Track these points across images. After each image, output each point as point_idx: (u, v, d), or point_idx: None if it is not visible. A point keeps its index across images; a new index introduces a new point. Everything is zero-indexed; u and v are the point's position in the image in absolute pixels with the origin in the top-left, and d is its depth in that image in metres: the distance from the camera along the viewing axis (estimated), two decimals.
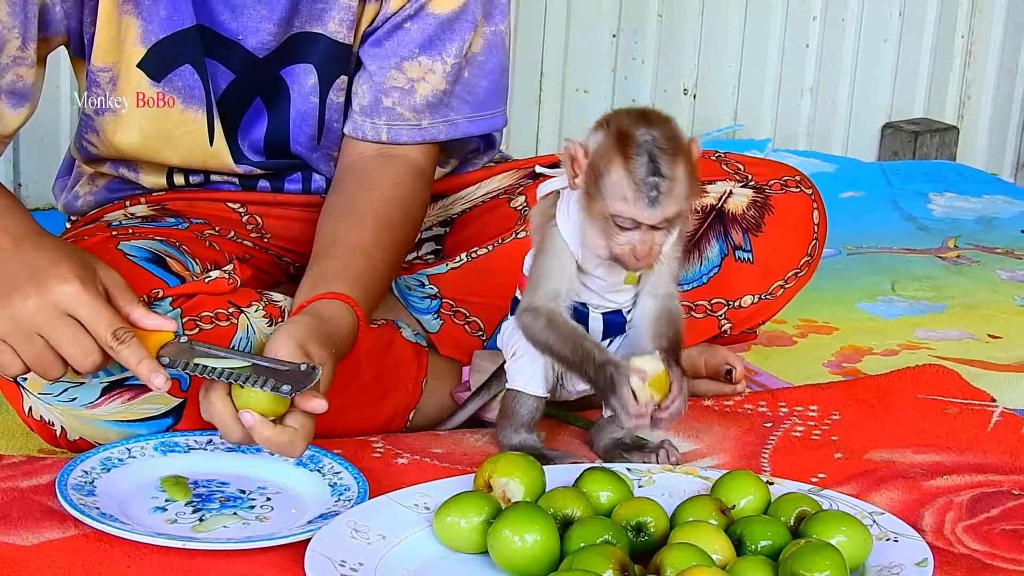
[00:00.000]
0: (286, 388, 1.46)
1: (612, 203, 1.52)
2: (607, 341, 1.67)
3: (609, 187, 1.52)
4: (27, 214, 1.59)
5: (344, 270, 1.67)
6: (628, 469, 1.62)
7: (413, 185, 1.82)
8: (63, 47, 1.76)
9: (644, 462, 1.68)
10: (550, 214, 1.62)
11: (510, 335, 1.68)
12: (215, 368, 1.49)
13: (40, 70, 1.72)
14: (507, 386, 1.68)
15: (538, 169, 1.69)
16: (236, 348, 1.66)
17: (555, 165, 1.63)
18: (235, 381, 1.48)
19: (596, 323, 1.65)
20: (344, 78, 1.84)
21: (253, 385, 1.47)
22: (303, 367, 1.48)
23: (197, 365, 1.49)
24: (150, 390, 1.61)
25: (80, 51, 1.75)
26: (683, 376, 1.61)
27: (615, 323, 1.66)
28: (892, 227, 2.94)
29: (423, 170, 1.85)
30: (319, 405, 1.50)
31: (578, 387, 1.71)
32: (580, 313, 1.64)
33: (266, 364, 1.49)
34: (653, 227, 1.53)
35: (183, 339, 1.53)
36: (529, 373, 1.66)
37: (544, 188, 1.64)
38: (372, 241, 1.73)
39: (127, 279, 1.58)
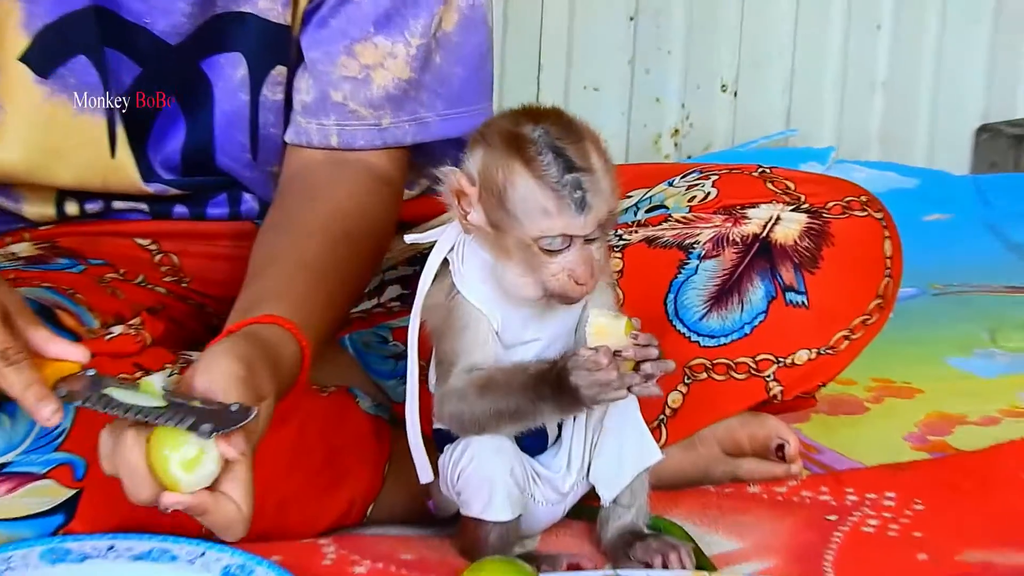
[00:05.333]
0: (206, 427, 1.45)
1: (531, 224, 1.51)
2: None
3: (520, 205, 1.51)
4: None
5: (284, 290, 1.67)
6: None
7: (376, 192, 1.83)
8: None
9: (651, 564, 1.66)
10: (446, 285, 1.60)
11: (451, 463, 1.65)
12: (121, 403, 1.48)
13: None
14: (462, 512, 1.66)
15: (408, 238, 1.66)
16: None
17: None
18: (145, 419, 1.47)
19: None
20: (282, 69, 1.85)
21: (166, 423, 1.46)
22: (233, 407, 1.47)
23: (102, 397, 1.49)
24: (34, 479, 1.61)
25: None
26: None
27: None
28: (990, 259, 2.96)
29: (388, 176, 1.85)
30: (227, 452, 1.46)
31: (550, 497, 1.69)
32: None
33: (187, 403, 1.48)
34: (587, 240, 1.52)
35: (91, 372, 1.53)
36: (485, 495, 1.62)
37: (428, 271, 1.62)
38: (319, 255, 1.72)
39: None
